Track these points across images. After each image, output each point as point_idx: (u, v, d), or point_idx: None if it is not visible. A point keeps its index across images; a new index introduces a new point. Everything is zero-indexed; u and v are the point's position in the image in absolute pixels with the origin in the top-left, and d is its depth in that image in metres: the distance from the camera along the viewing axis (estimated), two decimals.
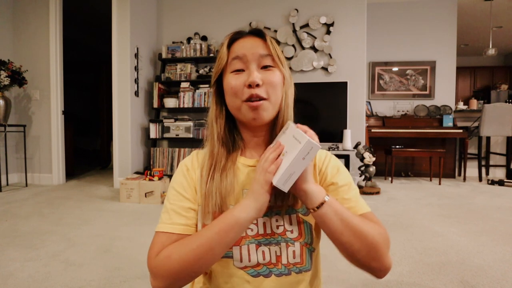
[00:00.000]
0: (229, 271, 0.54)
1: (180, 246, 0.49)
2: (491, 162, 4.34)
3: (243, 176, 0.57)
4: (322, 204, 0.48)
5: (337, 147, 3.26)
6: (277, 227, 0.54)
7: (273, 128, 0.58)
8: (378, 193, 3.04)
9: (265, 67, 0.54)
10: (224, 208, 0.53)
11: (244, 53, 0.54)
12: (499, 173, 4.36)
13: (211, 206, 0.52)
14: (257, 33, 0.57)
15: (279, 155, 0.49)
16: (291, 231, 0.53)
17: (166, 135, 3.45)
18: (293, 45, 3.57)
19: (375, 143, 4.18)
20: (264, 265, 0.53)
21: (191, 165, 0.60)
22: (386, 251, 0.49)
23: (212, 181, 0.54)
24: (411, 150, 3.76)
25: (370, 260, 0.48)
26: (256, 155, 0.60)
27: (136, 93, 3.38)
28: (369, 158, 3.04)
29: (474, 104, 4.73)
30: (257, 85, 0.52)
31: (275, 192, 0.51)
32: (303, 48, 3.56)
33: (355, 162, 3.43)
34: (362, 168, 3.14)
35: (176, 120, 3.46)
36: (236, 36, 0.57)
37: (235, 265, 0.53)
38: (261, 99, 0.52)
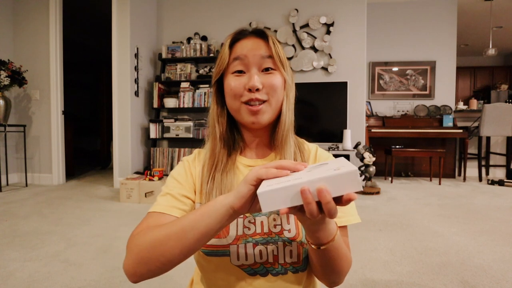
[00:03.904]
0: (226, 269, 0.54)
1: (158, 227, 0.46)
2: (491, 162, 4.34)
3: (243, 176, 0.57)
4: (331, 240, 0.43)
5: (337, 147, 3.26)
6: (275, 226, 0.53)
7: (274, 130, 0.58)
8: (378, 193, 3.04)
9: (266, 70, 0.54)
10: None
11: (245, 54, 0.53)
12: (499, 173, 4.36)
13: None
14: (260, 33, 0.56)
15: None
16: (289, 230, 0.53)
17: (166, 135, 3.45)
18: (293, 45, 3.57)
19: (375, 143, 4.18)
20: (261, 263, 0.53)
21: (192, 161, 0.61)
22: (346, 274, 0.52)
23: (213, 181, 0.54)
24: (411, 150, 3.76)
25: (331, 283, 0.53)
26: (256, 156, 0.60)
27: (136, 93, 3.38)
28: (369, 158, 3.04)
29: (474, 104, 4.73)
30: (257, 89, 0.52)
31: None
32: (303, 48, 3.56)
33: (355, 162, 3.43)
34: (362, 168, 3.14)
35: (176, 120, 3.46)
36: (238, 36, 0.56)
37: (232, 263, 0.53)
38: (261, 102, 0.53)
